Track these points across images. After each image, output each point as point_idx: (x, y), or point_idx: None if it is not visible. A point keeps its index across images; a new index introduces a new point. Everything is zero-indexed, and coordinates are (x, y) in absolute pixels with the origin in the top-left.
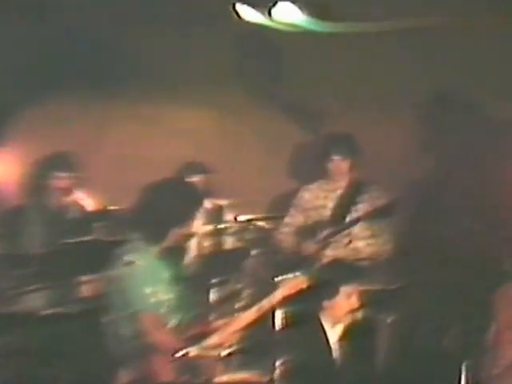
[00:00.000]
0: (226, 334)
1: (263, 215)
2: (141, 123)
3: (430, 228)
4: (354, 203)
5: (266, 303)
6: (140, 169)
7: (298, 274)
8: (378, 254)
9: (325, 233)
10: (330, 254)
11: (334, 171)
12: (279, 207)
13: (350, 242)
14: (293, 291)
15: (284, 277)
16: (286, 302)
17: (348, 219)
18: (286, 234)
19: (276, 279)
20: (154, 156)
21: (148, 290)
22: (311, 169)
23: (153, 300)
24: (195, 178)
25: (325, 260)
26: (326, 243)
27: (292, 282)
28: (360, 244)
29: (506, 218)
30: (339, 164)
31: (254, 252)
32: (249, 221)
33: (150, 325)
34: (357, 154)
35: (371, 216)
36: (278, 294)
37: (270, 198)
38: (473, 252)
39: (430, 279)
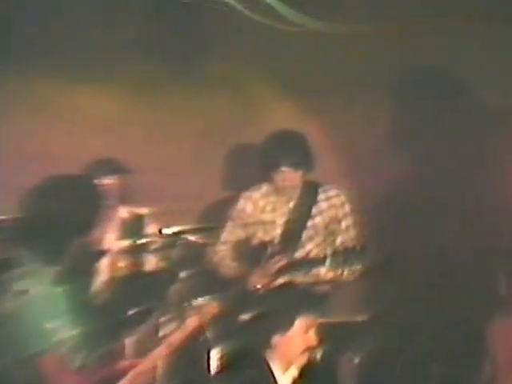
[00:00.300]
0: (134, 377)
1: (195, 227)
2: (33, 109)
3: (408, 244)
4: (311, 217)
5: (175, 336)
6: (33, 168)
7: (210, 297)
8: (343, 278)
9: (278, 263)
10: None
11: (282, 183)
12: (215, 218)
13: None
14: (207, 320)
15: (198, 301)
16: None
17: (304, 237)
18: (223, 254)
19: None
20: (51, 151)
21: (47, 326)
22: (255, 171)
23: (54, 338)
24: (107, 180)
25: (275, 283)
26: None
27: (206, 309)
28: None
29: (504, 228)
30: (289, 175)
31: (182, 274)
32: (176, 234)
33: (52, 369)
34: (312, 162)
35: (342, 255)
36: (189, 325)
37: (203, 205)
38: (461, 272)
39: (408, 308)
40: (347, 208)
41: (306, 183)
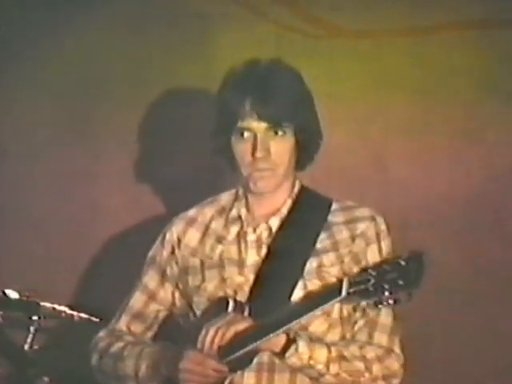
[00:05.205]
0: None
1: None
2: None
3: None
4: (314, 253)
5: None
6: None
7: None
8: None
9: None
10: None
11: (253, 174)
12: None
13: None
14: None
15: None
16: None
17: (298, 292)
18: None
19: None
20: None
21: None
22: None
23: None
24: None
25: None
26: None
27: None
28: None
29: None
30: (264, 143)
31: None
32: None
33: None
34: (311, 122)
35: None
36: None
37: None
38: None
39: None
40: (387, 242)
41: (307, 192)
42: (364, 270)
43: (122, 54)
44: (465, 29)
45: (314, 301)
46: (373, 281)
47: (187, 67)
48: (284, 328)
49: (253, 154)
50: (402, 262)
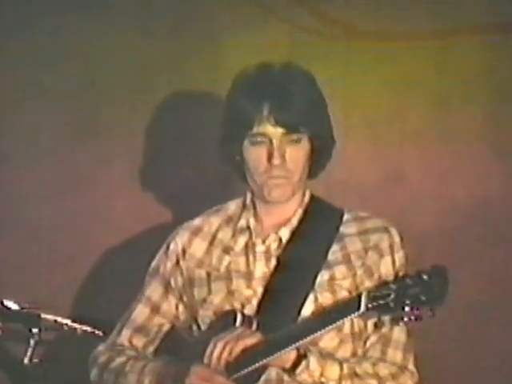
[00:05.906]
0: None
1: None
2: None
3: None
4: (325, 265)
5: None
6: None
7: None
8: None
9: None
10: None
11: (265, 181)
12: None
13: None
14: None
15: None
16: None
17: (308, 306)
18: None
19: None
20: None
21: None
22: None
23: None
24: None
25: None
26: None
27: None
28: None
29: None
30: (279, 150)
31: None
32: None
33: None
34: (325, 127)
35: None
36: None
37: None
38: None
39: None
40: (400, 255)
41: (318, 202)
42: (384, 283)
43: (127, 56)
44: (484, 33)
45: (329, 315)
46: (393, 295)
47: (196, 69)
48: (297, 344)
49: (269, 160)
50: (425, 277)
